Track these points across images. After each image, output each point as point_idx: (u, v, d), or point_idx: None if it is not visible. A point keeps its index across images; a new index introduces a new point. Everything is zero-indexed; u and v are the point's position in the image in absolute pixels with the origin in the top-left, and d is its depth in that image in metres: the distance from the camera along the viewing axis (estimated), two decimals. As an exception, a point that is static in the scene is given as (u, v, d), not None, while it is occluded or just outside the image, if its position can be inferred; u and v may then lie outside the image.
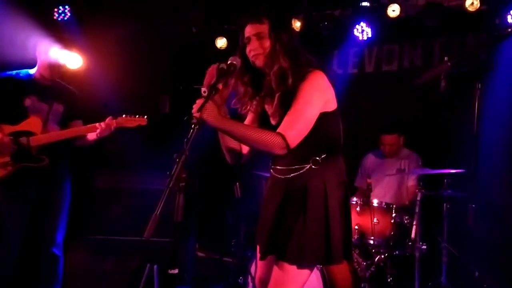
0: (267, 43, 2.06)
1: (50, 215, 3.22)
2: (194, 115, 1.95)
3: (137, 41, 5.11)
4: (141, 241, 4.19)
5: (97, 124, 3.16)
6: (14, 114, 3.10)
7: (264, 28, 2.07)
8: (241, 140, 2.07)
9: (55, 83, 3.28)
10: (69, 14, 4.47)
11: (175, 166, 1.86)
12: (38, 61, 3.20)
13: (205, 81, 2.04)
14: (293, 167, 2.06)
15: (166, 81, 5.23)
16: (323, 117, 2.03)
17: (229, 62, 2.07)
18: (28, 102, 3.14)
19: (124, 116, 3.23)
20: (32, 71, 3.23)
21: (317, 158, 2.03)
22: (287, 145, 1.95)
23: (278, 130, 1.98)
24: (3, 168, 3.07)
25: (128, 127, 3.23)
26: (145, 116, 3.27)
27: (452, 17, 4.18)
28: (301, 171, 2.05)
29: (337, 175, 2.08)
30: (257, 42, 2.07)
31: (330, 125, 2.07)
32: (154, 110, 5.47)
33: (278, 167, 2.14)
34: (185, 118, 1.99)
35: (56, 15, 4.41)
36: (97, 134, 3.18)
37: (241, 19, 2.15)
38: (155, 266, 4.00)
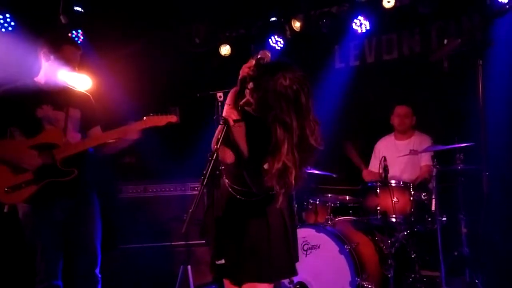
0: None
1: (87, 234, 2.98)
2: (225, 116, 2.08)
3: (144, 58, 5.30)
4: (171, 245, 4.38)
5: (120, 129, 2.95)
6: (28, 128, 2.86)
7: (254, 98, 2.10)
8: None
9: (65, 87, 3.03)
10: (82, 37, 4.64)
11: (208, 164, 1.95)
12: (46, 67, 2.96)
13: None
14: (253, 192, 2.18)
15: (175, 92, 5.40)
16: None
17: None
18: (41, 112, 2.88)
19: (152, 114, 2.98)
20: (37, 79, 2.99)
21: None
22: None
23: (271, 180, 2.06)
24: (26, 188, 2.80)
25: (158, 126, 2.97)
26: (173, 115, 3.00)
27: (446, 2, 4.34)
28: (260, 196, 2.19)
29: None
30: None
31: None
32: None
33: (236, 187, 2.22)
34: (214, 117, 2.16)
35: (70, 39, 4.58)
36: (123, 138, 2.95)
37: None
38: (189, 267, 4.17)
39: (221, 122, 2.09)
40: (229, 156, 2.17)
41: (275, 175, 2.02)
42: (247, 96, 2.10)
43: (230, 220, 2.21)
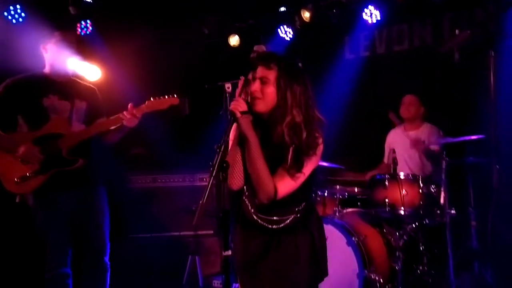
0: (270, 89, 2.08)
1: (95, 223, 3.05)
2: (231, 109, 2.07)
3: (153, 49, 5.30)
4: (180, 235, 4.42)
5: (120, 114, 2.89)
6: (35, 117, 2.92)
7: (271, 74, 2.08)
8: (249, 159, 2.08)
9: (71, 79, 3.09)
10: (91, 28, 4.67)
11: (216, 156, 1.94)
12: (47, 58, 3.03)
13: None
14: (279, 218, 2.14)
15: (184, 83, 5.42)
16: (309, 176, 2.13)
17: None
18: (47, 102, 2.95)
19: (152, 99, 2.92)
20: (45, 70, 3.05)
21: (299, 208, 2.16)
22: (274, 199, 2.08)
23: (276, 181, 2.06)
24: (35, 178, 2.88)
25: (160, 110, 2.92)
26: (175, 95, 2.92)
27: (459, -8, 4.32)
28: (287, 222, 2.15)
29: (315, 211, 2.27)
30: (260, 85, 2.08)
31: (311, 179, 2.15)
32: (175, 112, 5.66)
33: (262, 215, 2.18)
34: (220, 113, 2.15)
35: (79, 30, 4.61)
36: (125, 124, 2.89)
37: (254, 59, 2.17)
38: (197, 258, 4.20)
39: (228, 116, 2.09)
40: (235, 182, 2.14)
41: (286, 126, 2.06)
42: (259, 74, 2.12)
43: (254, 241, 2.20)
